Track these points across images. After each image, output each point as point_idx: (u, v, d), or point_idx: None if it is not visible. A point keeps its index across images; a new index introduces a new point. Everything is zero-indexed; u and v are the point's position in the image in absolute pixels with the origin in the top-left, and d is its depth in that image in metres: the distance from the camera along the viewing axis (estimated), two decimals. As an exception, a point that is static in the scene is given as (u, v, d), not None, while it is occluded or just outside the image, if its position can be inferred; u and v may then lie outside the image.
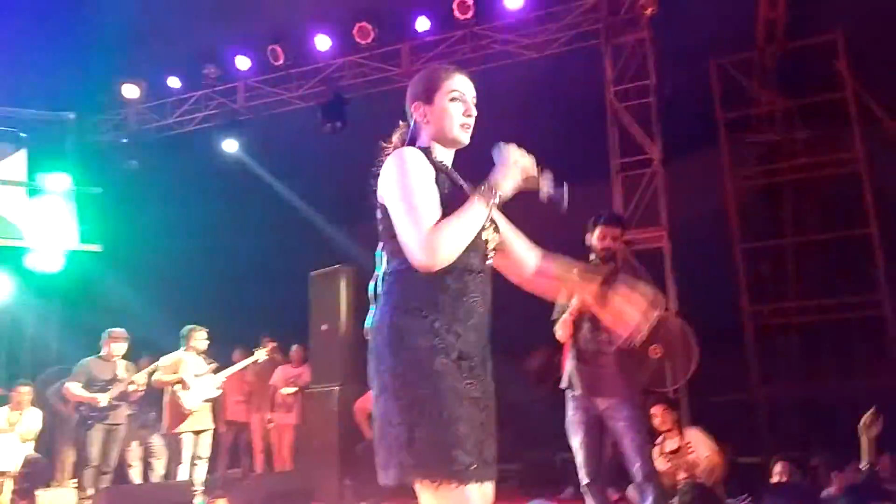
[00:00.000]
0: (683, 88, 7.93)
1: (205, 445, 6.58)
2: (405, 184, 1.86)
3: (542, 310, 3.96)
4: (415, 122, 2.07)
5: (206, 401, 6.58)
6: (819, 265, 7.83)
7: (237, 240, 10.09)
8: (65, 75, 8.68)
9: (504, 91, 6.69)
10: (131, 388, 6.62)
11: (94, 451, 6.39)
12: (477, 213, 1.86)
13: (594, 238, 3.99)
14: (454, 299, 1.89)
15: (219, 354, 7.07)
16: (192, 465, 6.46)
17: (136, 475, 7.44)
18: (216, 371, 6.77)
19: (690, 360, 6.27)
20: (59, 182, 9.34)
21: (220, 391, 6.84)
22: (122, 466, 7.20)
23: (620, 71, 7.63)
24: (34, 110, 9.41)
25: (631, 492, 4.79)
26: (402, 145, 2.05)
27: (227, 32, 8.80)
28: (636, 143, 7.39)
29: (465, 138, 2.05)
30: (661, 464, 5.10)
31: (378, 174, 1.96)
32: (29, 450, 6.98)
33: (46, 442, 7.40)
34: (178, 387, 6.43)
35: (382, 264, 2.00)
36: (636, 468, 3.72)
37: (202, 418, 6.55)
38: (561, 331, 4.01)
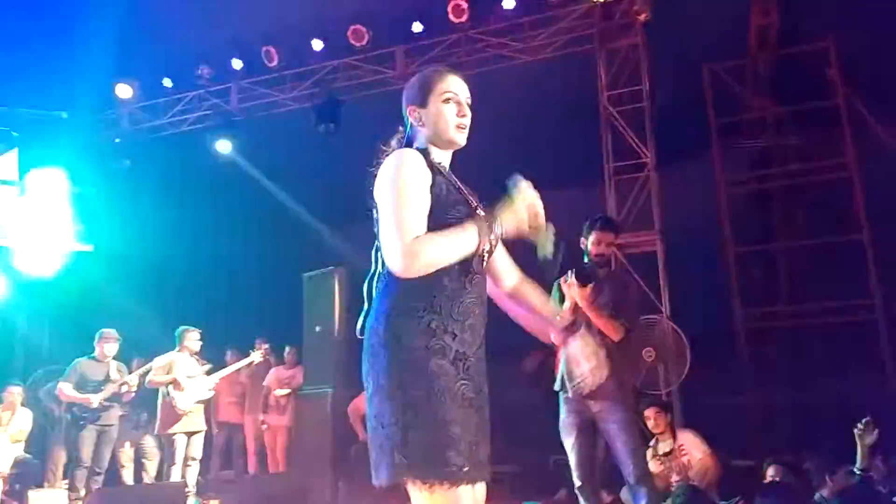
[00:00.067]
0: (676, 94, 7.97)
1: (197, 447, 6.58)
2: (397, 186, 1.86)
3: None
4: (411, 125, 2.08)
5: (199, 402, 6.59)
6: (811, 270, 7.88)
7: (230, 241, 10.07)
8: (58, 74, 8.65)
9: (498, 95, 6.71)
10: (123, 388, 6.62)
11: (86, 451, 6.39)
12: (468, 241, 1.85)
13: (589, 243, 4.02)
14: (451, 299, 1.89)
15: (212, 356, 7.07)
16: (185, 466, 6.46)
17: (128, 476, 7.42)
18: (210, 372, 6.77)
19: (683, 363, 6.33)
20: (51, 182, 9.30)
21: (213, 392, 6.84)
22: (114, 467, 7.19)
23: (614, 76, 7.67)
24: (26, 109, 9.37)
25: (624, 494, 4.82)
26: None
27: (220, 33, 8.78)
28: (630, 147, 7.42)
29: (461, 139, 2.05)
30: (654, 466, 5.13)
31: (375, 175, 1.96)
32: (19, 451, 6.95)
33: (38, 443, 7.37)
34: (171, 387, 6.43)
35: (378, 264, 2.01)
36: (629, 470, 3.74)
37: (195, 419, 6.54)
38: (554, 334, 4.02)
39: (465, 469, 1.77)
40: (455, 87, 2.05)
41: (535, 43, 8.07)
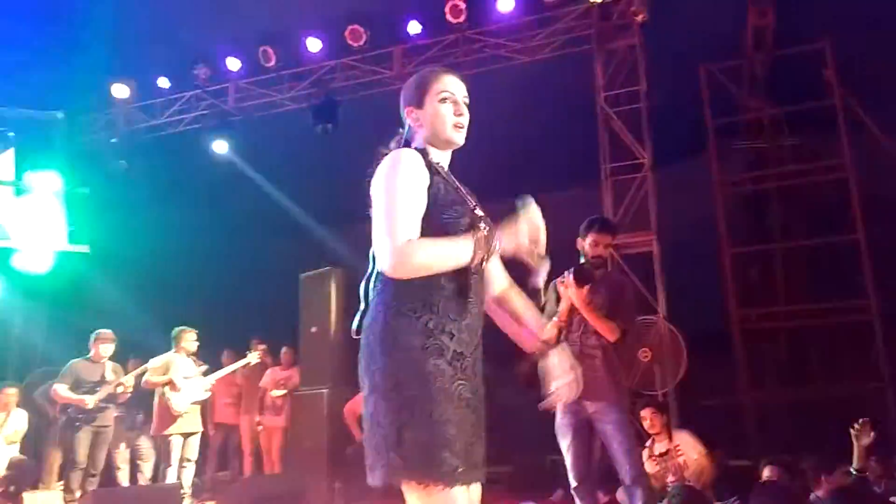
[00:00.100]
0: (673, 94, 7.98)
1: (193, 448, 6.55)
2: (392, 186, 1.86)
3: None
4: (409, 127, 2.07)
5: (195, 403, 6.56)
6: (807, 270, 7.90)
7: (226, 241, 10.06)
8: (54, 74, 8.63)
9: (496, 95, 6.71)
10: (119, 389, 6.60)
11: (82, 453, 6.37)
12: (461, 253, 1.84)
13: (586, 244, 4.02)
14: (448, 299, 1.88)
15: (208, 356, 7.05)
16: (181, 467, 6.43)
17: (123, 477, 7.39)
18: (206, 373, 6.75)
19: (679, 363, 6.34)
20: (47, 182, 9.28)
21: (210, 394, 6.82)
22: (110, 469, 7.17)
23: (611, 76, 7.68)
24: (22, 109, 9.35)
25: (620, 494, 4.81)
26: None
27: (217, 33, 8.77)
28: (626, 147, 7.43)
29: (458, 138, 2.04)
30: (650, 466, 5.13)
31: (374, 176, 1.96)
32: (14, 452, 6.93)
33: (33, 444, 7.34)
34: (167, 388, 6.41)
35: (375, 264, 2.00)
36: (625, 471, 3.74)
37: (191, 421, 6.52)
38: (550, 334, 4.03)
39: (460, 470, 1.77)
40: (451, 86, 2.04)
41: (533, 43, 8.08)
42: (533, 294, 1.86)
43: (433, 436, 1.76)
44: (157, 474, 6.85)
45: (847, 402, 5.79)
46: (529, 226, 1.86)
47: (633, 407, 5.15)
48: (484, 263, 1.91)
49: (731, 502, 4.74)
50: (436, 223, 1.88)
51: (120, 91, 9.50)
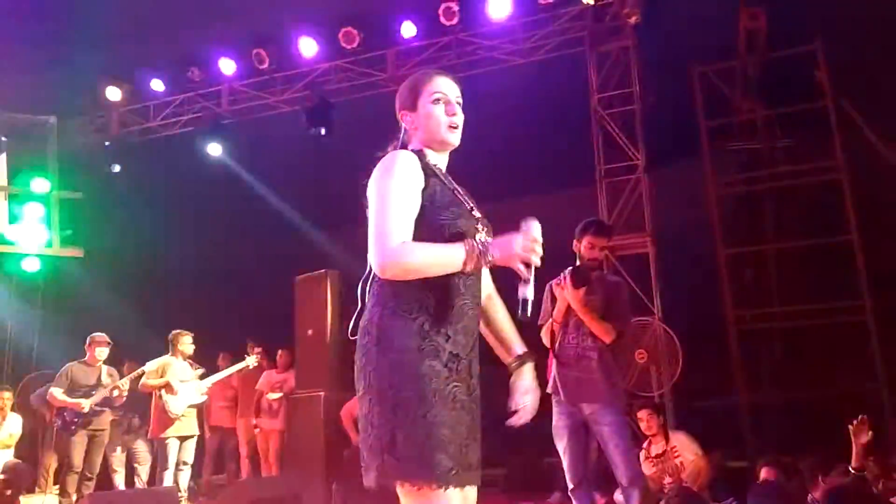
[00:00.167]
0: (666, 96, 8.00)
1: (190, 451, 6.55)
2: (385, 188, 1.86)
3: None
4: (405, 130, 2.08)
5: (192, 406, 6.56)
6: (801, 271, 7.91)
7: (221, 244, 10.03)
8: (46, 77, 8.60)
9: (489, 97, 6.72)
10: (115, 393, 6.58)
11: (77, 456, 6.35)
12: (453, 260, 1.81)
13: (582, 247, 4.03)
14: (444, 300, 1.88)
15: (203, 359, 7.04)
16: (177, 470, 6.43)
17: (119, 481, 7.38)
18: (203, 376, 6.74)
19: (675, 365, 6.35)
20: (40, 186, 9.25)
21: (206, 397, 6.81)
22: (106, 472, 7.15)
23: (605, 78, 7.70)
24: (14, 113, 9.31)
25: (617, 496, 4.82)
26: None
27: (211, 35, 8.76)
28: (620, 149, 7.46)
29: (453, 139, 2.04)
30: (646, 468, 5.14)
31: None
32: (9, 456, 6.90)
33: (29, 448, 7.32)
34: (163, 391, 6.40)
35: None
36: (621, 473, 3.75)
37: (188, 424, 6.51)
38: (546, 336, 4.04)
39: (454, 472, 1.76)
40: (444, 87, 2.04)
41: (526, 45, 8.09)
42: (521, 308, 1.85)
43: (427, 437, 1.76)
44: (154, 477, 6.84)
45: (843, 402, 5.80)
46: (526, 240, 1.83)
47: (629, 408, 5.17)
48: (476, 270, 1.90)
49: (727, 503, 4.76)
50: (433, 225, 1.89)
51: (113, 94, 9.47)
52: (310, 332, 7.19)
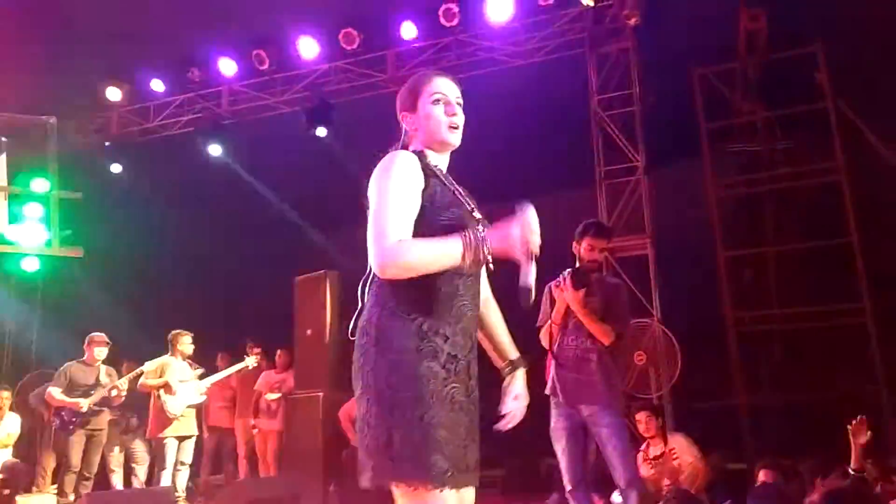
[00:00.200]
0: (666, 98, 8.00)
1: (188, 451, 6.54)
2: (384, 188, 1.86)
3: (526, 316, 3.98)
4: (406, 132, 2.07)
5: (191, 406, 6.55)
6: (801, 273, 7.91)
7: (221, 244, 10.03)
8: (46, 77, 8.60)
9: (489, 98, 6.71)
10: (113, 393, 6.58)
11: (75, 456, 6.34)
12: (451, 253, 1.80)
13: (582, 249, 4.02)
14: (443, 301, 1.88)
15: (202, 359, 7.04)
16: (175, 470, 6.42)
17: (117, 481, 7.37)
18: (203, 376, 6.74)
19: (674, 366, 6.35)
20: (39, 186, 9.24)
21: (206, 397, 6.81)
22: (104, 472, 7.14)
23: (605, 80, 7.70)
24: (14, 113, 9.31)
25: (615, 498, 4.82)
26: None
27: (211, 36, 8.76)
28: (620, 151, 7.46)
29: (453, 139, 2.04)
30: (644, 470, 5.14)
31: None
32: (7, 455, 6.90)
33: (25, 447, 7.32)
34: (162, 392, 6.40)
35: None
36: (619, 474, 3.74)
37: (187, 424, 6.51)
38: (545, 338, 4.04)
39: (450, 474, 1.76)
40: (444, 87, 2.04)
41: (526, 47, 8.09)
42: (522, 294, 1.84)
43: (423, 438, 1.75)
44: (152, 477, 6.83)
45: (842, 404, 5.79)
46: (524, 227, 1.82)
47: (627, 410, 5.16)
48: (476, 265, 1.88)
49: (725, 505, 4.76)
50: (433, 225, 1.88)
51: (113, 94, 9.47)
52: (309, 332, 7.19)
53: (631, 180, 7.36)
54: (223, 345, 8.05)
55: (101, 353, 6.62)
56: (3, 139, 9.25)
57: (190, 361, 6.72)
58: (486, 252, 1.81)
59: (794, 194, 8.06)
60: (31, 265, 9.12)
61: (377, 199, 1.85)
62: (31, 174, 9.23)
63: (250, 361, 7.24)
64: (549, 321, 4.01)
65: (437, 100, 2.02)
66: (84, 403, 6.37)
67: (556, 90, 7.99)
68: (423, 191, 1.90)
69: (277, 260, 9.16)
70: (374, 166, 1.95)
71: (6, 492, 6.74)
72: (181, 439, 6.46)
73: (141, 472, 7.24)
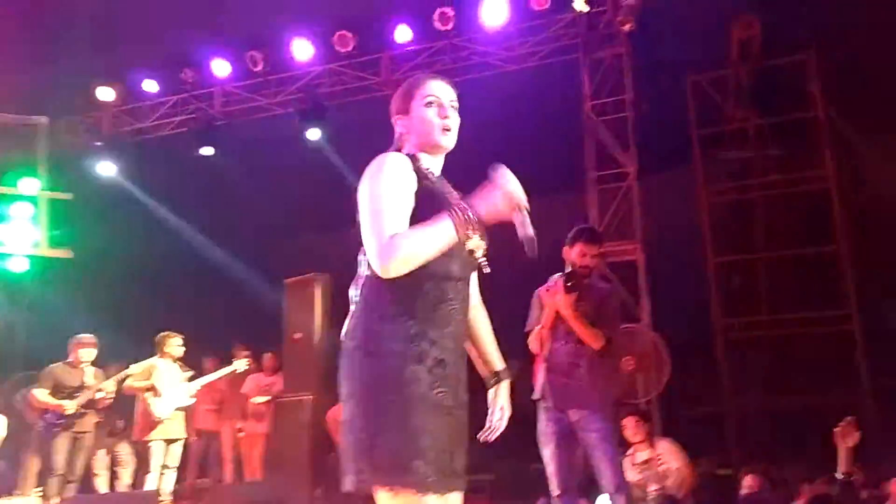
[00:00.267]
0: (659, 104, 8.03)
1: (175, 455, 6.48)
2: (374, 187, 1.83)
3: (515, 320, 3.98)
4: (399, 135, 2.06)
5: (179, 409, 6.50)
6: (790, 280, 7.95)
7: (211, 246, 10.00)
8: (38, 77, 8.55)
9: (483, 102, 6.71)
10: (99, 395, 6.51)
11: (60, 459, 6.26)
12: (442, 231, 1.78)
13: (573, 254, 4.01)
14: (432, 305, 1.86)
15: (190, 361, 6.99)
16: (161, 474, 6.36)
17: (102, 484, 7.30)
18: (192, 379, 6.68)
19: (662, 372, 6.35)
20: (29, 186, 9.19)
21: (194, 400, 6.75)
22: (88, 475, 7.07)
23: (598, 85, 7.72)
24: (5, 113, 9.26)
25: (601, 502, 4.81)
26: None
27: (205, 37, 8.74)
28: (612, 156, 7.47)
29: (447, 142, 2.02)
30: (631, 475, 5.13)
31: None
32: (-8, 457, 6.84)
33: (10, 449, 7.24)
34: (149, 394, 6.34)
35: (362, 268, 1.99)
36: (607, 480, 3.73)
37: (174, 427, 6.45)
38: (534, 342, 4.03)
39: (431, 479, 1.73)
40: (437, 90, 2.02)
41: (520, 51, 8.10)
42: (528, 243, 1.83)
43: (406, 443, 1.73)
44: (137, 481, 6.78)
45: (829, 411, 5.81)
46: (503, 184, 1.82)
47: (615, 415, 5.15)
48: (470, 238, 1.87)
49: (712, 511, 4.75)
50: None
51: (105, 94, 9.42)
52: (298, 335, 7.15)
53: (622, 185, 7.38)
54: (212, 347, 8.00)
55: (88, 354, 6.53)
56: (-6, 139, 9.21)
57: (179, 364, 6.67)
58: (474, 218, 1.79)
59: (785, 201, 8.10)
60: (19, 265, 9.05)
61: (370, 199, 1.82)
62: (20, 174, 9.19)
63: (239, 365, 7.19)
64: (538, 326, 4.00)
65: (430, 102, 2.00)
66: (69, 405, 6.29)
67: (549, 95, 8.01)
68: (416, 193, 1.88)
69: (267, 262, 9.13)
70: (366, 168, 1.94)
71: (-12, 494, 6.68)
72: (169, 442, 6.40)
73: (125, 475, 7.18)
